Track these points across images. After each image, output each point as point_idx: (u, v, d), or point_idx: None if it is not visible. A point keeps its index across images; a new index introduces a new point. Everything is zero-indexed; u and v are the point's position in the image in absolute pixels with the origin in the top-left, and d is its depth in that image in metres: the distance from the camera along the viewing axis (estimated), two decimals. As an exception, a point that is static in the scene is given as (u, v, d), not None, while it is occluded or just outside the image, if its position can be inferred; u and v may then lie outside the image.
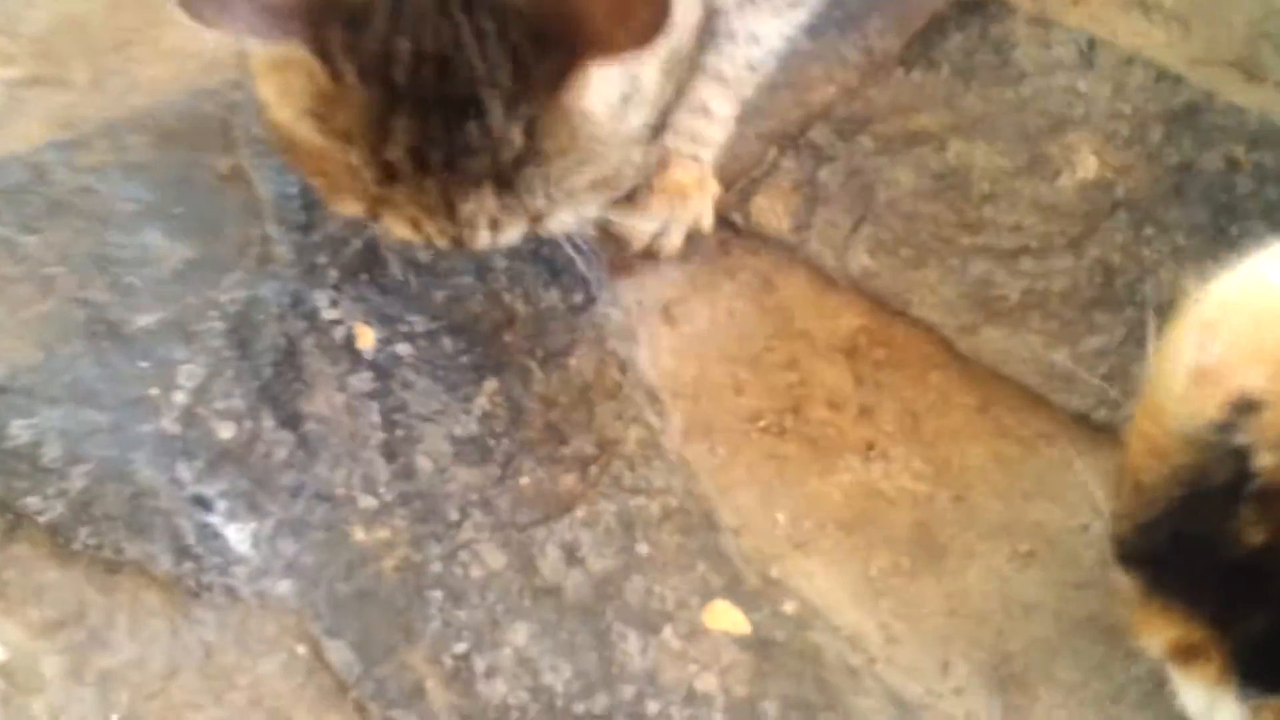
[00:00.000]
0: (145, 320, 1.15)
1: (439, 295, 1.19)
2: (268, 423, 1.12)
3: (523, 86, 0.84)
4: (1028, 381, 1.16)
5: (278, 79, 0.88)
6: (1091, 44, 1.35)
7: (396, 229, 0.92)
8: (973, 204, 1.25)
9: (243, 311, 1.16)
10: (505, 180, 0.87)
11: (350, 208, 0.92)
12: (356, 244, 1.18)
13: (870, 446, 1.15)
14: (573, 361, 1.17)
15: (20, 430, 1.07)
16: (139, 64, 1.28)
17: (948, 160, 1.28)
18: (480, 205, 0.88)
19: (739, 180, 1.26)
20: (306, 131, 0.87)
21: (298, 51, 0.83)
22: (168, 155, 1.23)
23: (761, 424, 1.16)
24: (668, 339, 1.21)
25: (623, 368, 1.17)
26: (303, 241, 1.19)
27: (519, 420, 1.13)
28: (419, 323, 1.18)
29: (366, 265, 1.19)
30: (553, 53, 0.83)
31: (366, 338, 1.16)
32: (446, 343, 1.17)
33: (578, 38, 0.82)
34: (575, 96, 0.85)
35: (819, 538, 1.10)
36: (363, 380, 1.15)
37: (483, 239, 0.92)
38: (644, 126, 0.95)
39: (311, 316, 1.16)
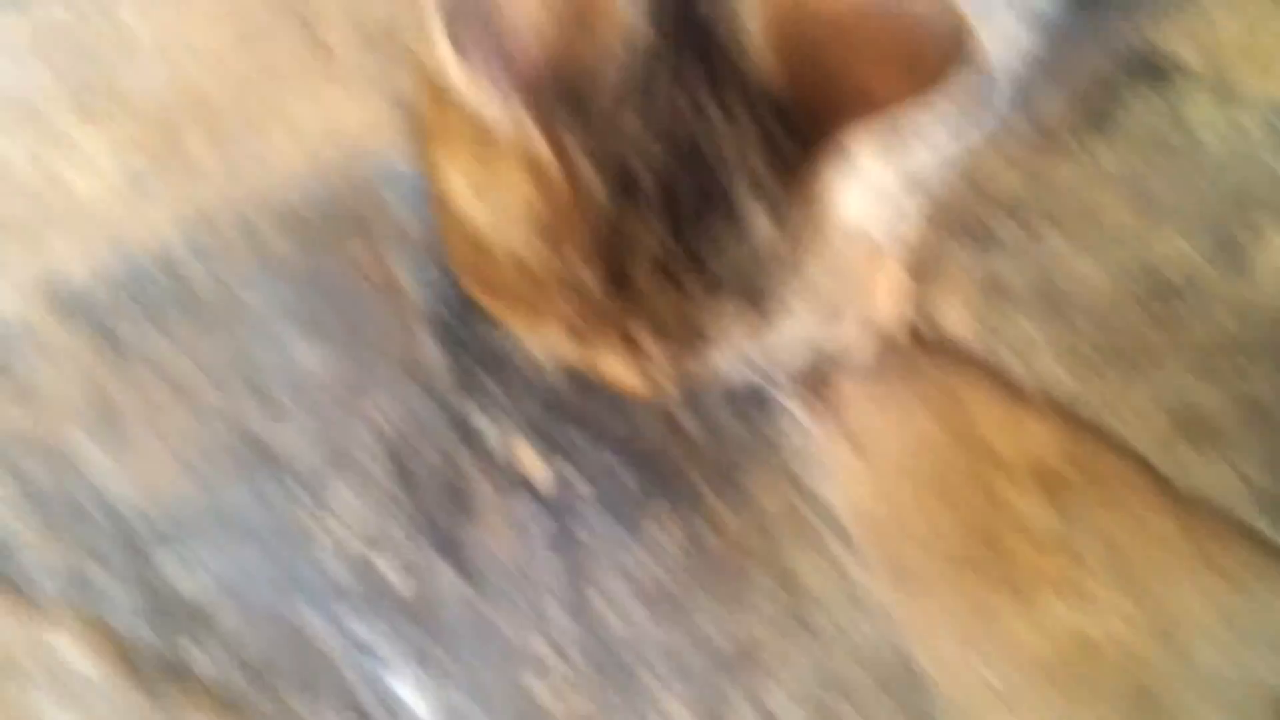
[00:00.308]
0: (297, 441, 1.07)
1: (612, 420, 1.10)
2: (438, 565, 1.04)
3: (779, 173, 0.75)
4: (1237, 511, 1.09)
5: (477, 165, 0.77)
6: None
7: (609, 365, 0.84)
8: (1166, 303, 1.17)
9: (399, 433, 1.08)
10: (755, 289, 0.78)
11: (551, 338, 0.84)
12: (520, 359, 1.09)
13: (1073, 585, 1.07)
14: (760, 497, 1.09)
15: (172, 569, 0.99)
16: (271, 144, 1.18)
17: (1137, 252, 1.20)
18: (726, 322, 0.79)
19: (913, 278, 1.15)
20: (509, 236, 0.77)
21: (517, 131, 0.71)
22: (307, 250, 1.14)
23: (956, 561, 1.09)
24: (855, 467, 1.13)
25: (814, 504, 1.09)
26: (460, 353, 1.10)
27: (704, 564, 1.06)
28: (592, 451, 1.09)
29: (532, 383, 1.10)
30: (812, 136, 0.73)
31: (537, 468, 1.08)
32: (624, 475, 1.09)
33: (843, 106, 0.71)
34: (836, 180, 0.75)
35: (1026, 692, 1.03)
36: (537, 518, 1.07)
37: (717, 365, 0.83)
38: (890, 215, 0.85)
39: (475, 441, 1.08)
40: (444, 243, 0.88)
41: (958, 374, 1.16)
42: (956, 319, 1.15)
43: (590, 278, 0.76)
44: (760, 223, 0.75)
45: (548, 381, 1.09)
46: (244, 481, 1.05)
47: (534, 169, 0.72)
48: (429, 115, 0.81)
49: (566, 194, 0.73)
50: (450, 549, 1.05)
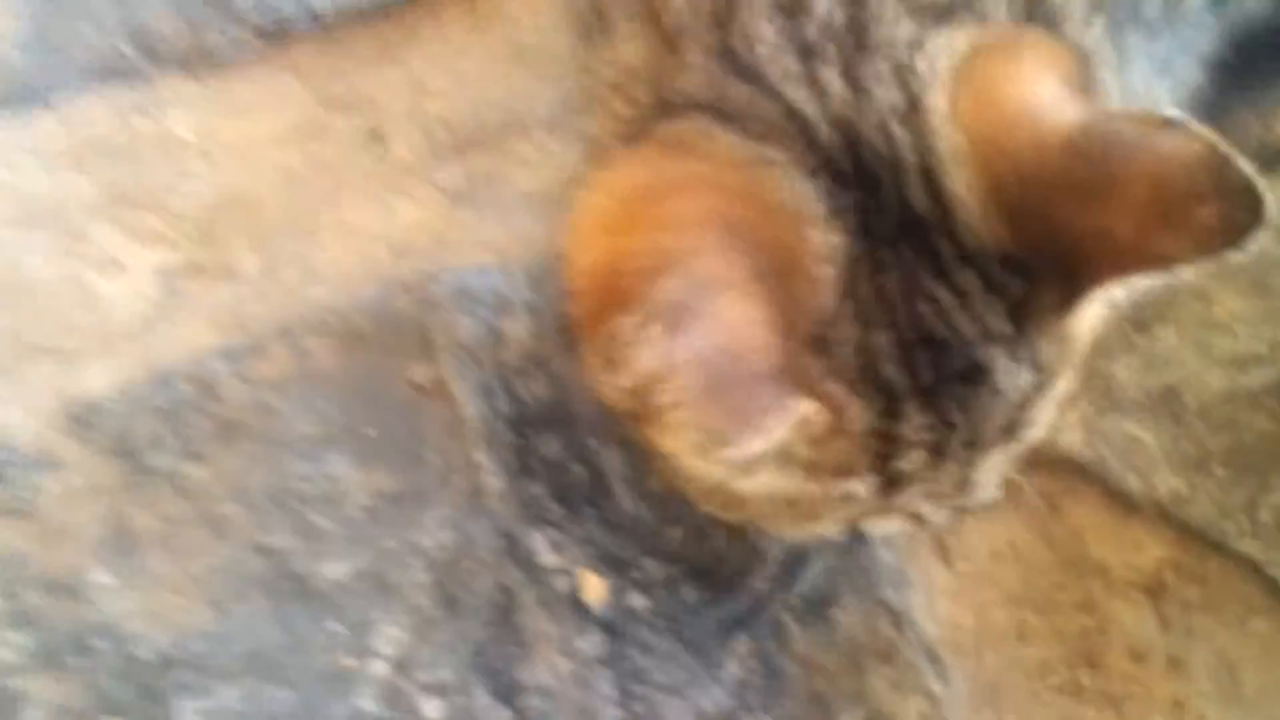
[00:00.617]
0: (336, 571, 1.01)
1: (675, 532, 1.04)
2: (482, 698, 0.99)
3: (1023, 328, 0.71)
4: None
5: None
6: None
7: (884, 527, 0.82)
8: None
9: (450, 558, 1.02)
10: (1015, 425, 0.75)
11: (819, 530, 0.81)
12: (579, 471, 1.04)
13: (1181, 706, 1.03)
14: (837, 614, 1.03)
15: (192, 715, 0.90)
16: (318, 248, 1.12)
17: (1262, 354, 1.12)
18: (996, 464, 0.77)
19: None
20: (773, 482, 0.74)
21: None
22: (356, 363, 1.08)
23: (1054, 681, 1.04)
24: (943, 579, 1.08)
25: (897, 622, 1.04)
26: (517, 468, 1.05)
27: (777, 689, 1.01)
28: (655, 567, 1.04)
29: (592, 496, 1.05)
30: (1053, 282, 0.69)
31: (595, 588, 1.03)
32: (688, 592, 1.03)
33: (1086, 262, 0.67)
34: (1081, 316, 0.73)
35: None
36: (592, 642, 1.02)
37: (989, 494, 0.79)
38: None
39: (530, 563, 1.03)
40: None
41: (1059, 482, 1.11)
42: (1059, 422, 1.05)
43: (864, 488, 0.74)
44: (1012, 374, 0.72)
45: (622, 506, 1.05)
46: (277, 619, 1.00)
47: (800, 428, 0.69)
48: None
49: (833, 430, 0.70)
50: (493, 674, 1.01)
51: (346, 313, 1.10)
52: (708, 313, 0.65)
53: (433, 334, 1.10)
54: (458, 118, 1.18)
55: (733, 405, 0.64)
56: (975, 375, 0.71)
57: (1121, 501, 1.09)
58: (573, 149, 1.11)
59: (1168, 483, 1.09)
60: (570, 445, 1.04)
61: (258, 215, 1.14)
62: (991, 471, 0.77)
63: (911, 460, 0.73)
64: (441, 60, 1.19)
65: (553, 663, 1.00)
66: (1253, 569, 1.06)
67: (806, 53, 0.73)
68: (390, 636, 1.00)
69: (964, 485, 0.76)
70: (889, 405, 0.70)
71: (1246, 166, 0.62)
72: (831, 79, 0.72)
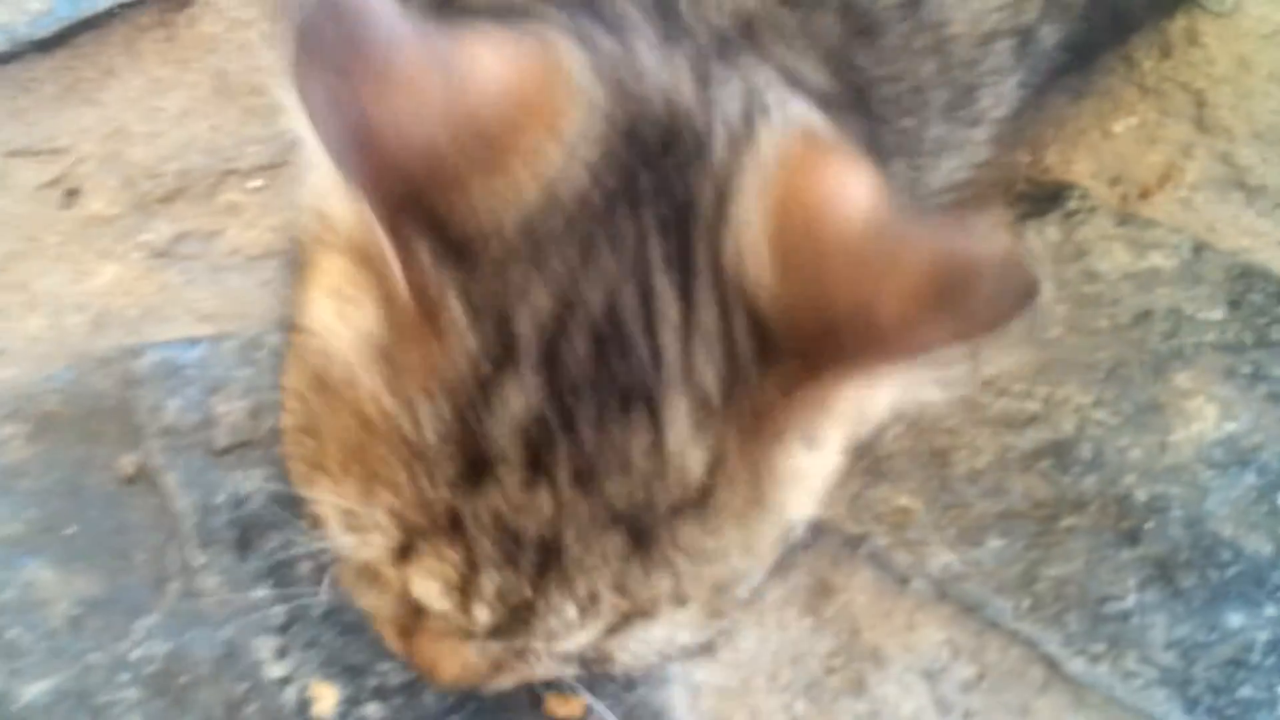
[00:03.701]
0: (34, 691, 1.02)
1: None
2: None
3: (731, 401, 0.70)
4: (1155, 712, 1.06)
5: (344, 281, 0.72)
6: (1197, 250, 1.23)
7: (427, 588, 0.74)
8: (1071, 474, 1.17)
9: (163, 671, 1.03)
10: (644, 535, 0.71)
11: (369, 544, 0.74)
12: (307, 569, 1.06)
13: None
14: (592, 719, 1.03)
15: None
16: (6, 319, 1.14)
17: (1036, 413, 1.20)
18: (598, 562, 0.71)
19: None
20: (358, 376, 0.71)
21: (364, 229, 0.67)
22: (51, 452, 1.10)
23: None
24: (707, 670, 1.10)
25: None
26: (238, 568, 1.06)
27: None
28: (392, 672, 1.04)
29: (336, 607, 1.05)
30: (792, 361, 0.69)
31: (326, 699, 1.04)
32: (429, 699, 1.04)
33: (840, 342, 0.67)
34: (797, 431, 0.72)
35: None
36: None
37: (559, 632, 0.74)
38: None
39: (253, 674, 1.03)
40: (284, 395, 0.81)
41: (828, 559, 1.16)
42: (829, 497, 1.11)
43: (438, 449, 0.69)
44: (685, 447, 0.70)
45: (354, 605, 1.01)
46: (-28, 753, 0.97)
47: (384, 291, 0.68)
48: (311, 222, 0.75)
49: (418, 332, 0.68)
50: None
51: (39, 394, 1.11)
52: None
53: (138, 417, 1.11)
54: (162, 165, 1.20)
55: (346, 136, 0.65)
56: (636, 409, 0.69)
57: (894, 578, 1.14)
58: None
59: (940, 557, 1.14)
60: (294, 535, 1.00)
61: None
62: (591, 579, 0.72)
63: (505, 456, 0.69)
64: (141, 100, 1.21)
65: None
66: (1031, 647, 1.11)
67: (672, 31, 0.77)
68: None
69: (544, 568, 0.72)
70: (499, 355, 0.68)
71: (1029, 255, 0.66)
72: (683, 63, 0.76)
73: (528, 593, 0.72)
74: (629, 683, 1.06)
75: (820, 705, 1.09)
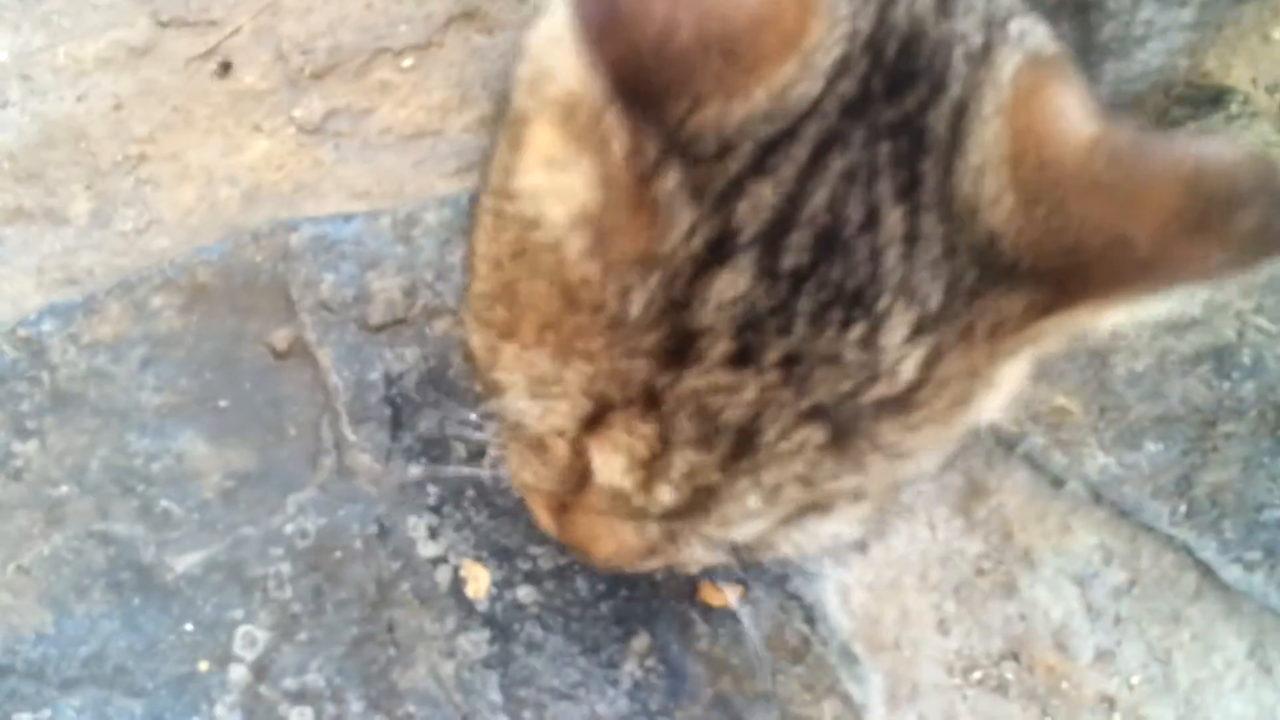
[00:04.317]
0: (187, 562, 1.00)
1: None
2: (355, 705, 0.97)
3: (950, 314, 0.67)
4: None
5: (560, 142, 0.68)
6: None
7: (610, 462, 0.71)
8: (1230, 380, 1.13)
9: (315, 547, 1.01)
10: (844, 429, 0.68)
11: (555, 412, 0.71)
12: (461, 449, 1.03)
13: (1111, 704, 1.04)
14: (746, 609, 1.01)
15: (30, 734, 0.89)
16: (159, 190, 1.10)
17: (1196, 317, 1.15)
18: (793, 452, 0.69)
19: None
20: (566, 238, 0.68)
21: (594, 103, 0.63)
22: (204, 324, 1.06)
23: (976, 676, 1.05)
24: (857, 568, 1.07)
25: (809, 617, 1.04)
26: (391, 446, 1.04)
27: (680, 691, 1.00)
28: (544, 557, 1.03)
29: (471, 475, 1.03)
30: (1031, 289, 0.66)
31: (479, 581, 1.02)
32: (581, 584, 1.02)
33: (1093, 272, 0.64)
34: (1022, 349, 0.69)
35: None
36: (476, 641, 1.00)
37: (735, 520, 0.72)
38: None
39: (406, 552, 1.02)
40: (474, 260, 0.77)
41: (982, 460, 1.12)
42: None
43: (643, 323, 0.66)
44: (900, 348, 0.67)
45: (506, 488, 1.02)
46: (120, 614, 0.98)
47: (603, 165, 0.64)
48: (533, 78, 0.72)
49: (634, 209, 0.64)
50: (367, 678, 0.99)
51: (192, 266, 1.08)
52: None
53: (291, 291, 1.08)
54: (315, 41, 1.16)
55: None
56: (852, 317, 0.66)
57: (1048, 480, 1.10)
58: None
59: (1096, 460, 1.10)
60: (448, 416, 1.02)
61: (86, 150, 1.10)
62: (784, 467, 0.70)
63: (711, 343, 0.66)
64: None
65: (433, 664, 0.99)
66: (1186, 554, 1.08)
67: None
68: (250, 636, 0.98)
69: (738, 455, 0.69)
70: (717, 244, 0.65)
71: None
72: None
73: (715, 476, 0.69)
74: (782, 577, 1.04)
75: (969, 606, 1.06)
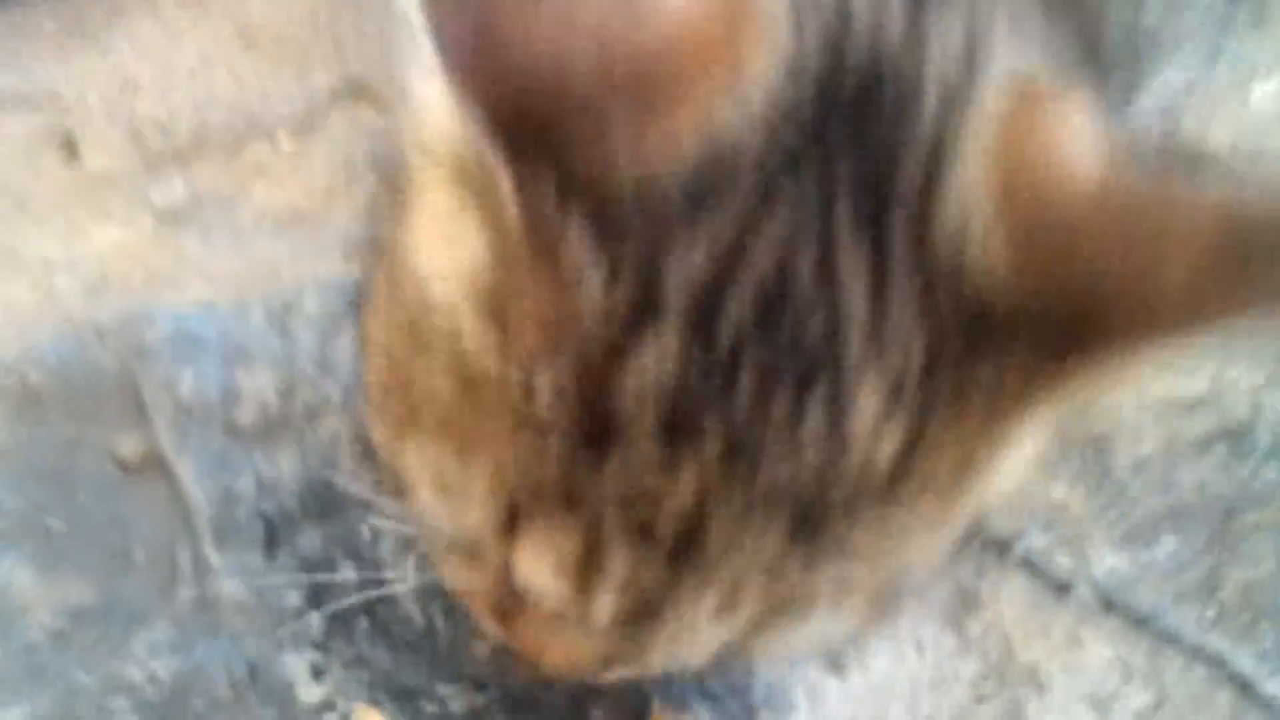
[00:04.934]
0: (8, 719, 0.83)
1: (482, 650, 0.88)
2: None
3: (934, 383, 0.57)
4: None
5: (448, 215, 0.59)
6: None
7: (536, 568, 0.61)
8: (1252, 461, 1.00)
9: (169, 696, 0.85)
10: (811, 525, 0.58)
11: (468, 515, 0.62)
12: (351, 571, 0.89)
13: None
14: None
15: None
16: (-7, 287, 0.94)
17: (1203, 395, 1.03)
18: (749, 551, 0.58)
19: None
20: (464, 330, 0.59)
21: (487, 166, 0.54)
22: (35, 433, 0.91)
23: None
24: (835, 696, 0.92)
25: None
26: (264, 569, 0.89)
27: None
28: (455, 697, 0.87)
29: (368, 607, 0.88)
30: (1030, 343, 0.56)
31: None
32: None
33: (1119, 320, 0.55)
34: (1027, 416, 0.59)
35: None
36: None
37: (693, 627, 0.61)
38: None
39: (284, 697, 0.86)
40: (367, 348, 0.71)
41: (974, 567, 0.98)
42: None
43: (554, 412, 0.57)
44: (871, 430, 0.57)
45: (409, 616, 0.89)
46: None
47: (495, 227, 0.56)
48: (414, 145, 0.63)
49: (533, 276, 0.56)
50: None
51: (21, 367, 0.94)
52: None
53: (144, 393, 0.93)
54: (176, 119, 1.04)
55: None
56: (807, 396, 0.57)
57: (1051, 586, 0.97)
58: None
59: (1105, 560, 0.97)
60: (334, 533, 0.89)
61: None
62: (742, 570, 0.60)
63: (637, 422, 0.56)
64: (154, 48, 1.06)
65: None
66: (1218, 667, 0.95)
67: None
68: None
69: (683, 556, 0.59)
70: (637, 311, 0.55)
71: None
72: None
73: (661, 577, 0.60)
74: (748, 708, 0.90)
75: None
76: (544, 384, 0.57)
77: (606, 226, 0.55)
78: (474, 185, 0.57)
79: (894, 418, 0.58)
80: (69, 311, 0.96)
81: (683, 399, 0.56)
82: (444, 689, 0.88)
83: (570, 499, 0.58)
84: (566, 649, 0.67)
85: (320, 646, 0.88)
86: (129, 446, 0.92)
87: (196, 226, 1.01)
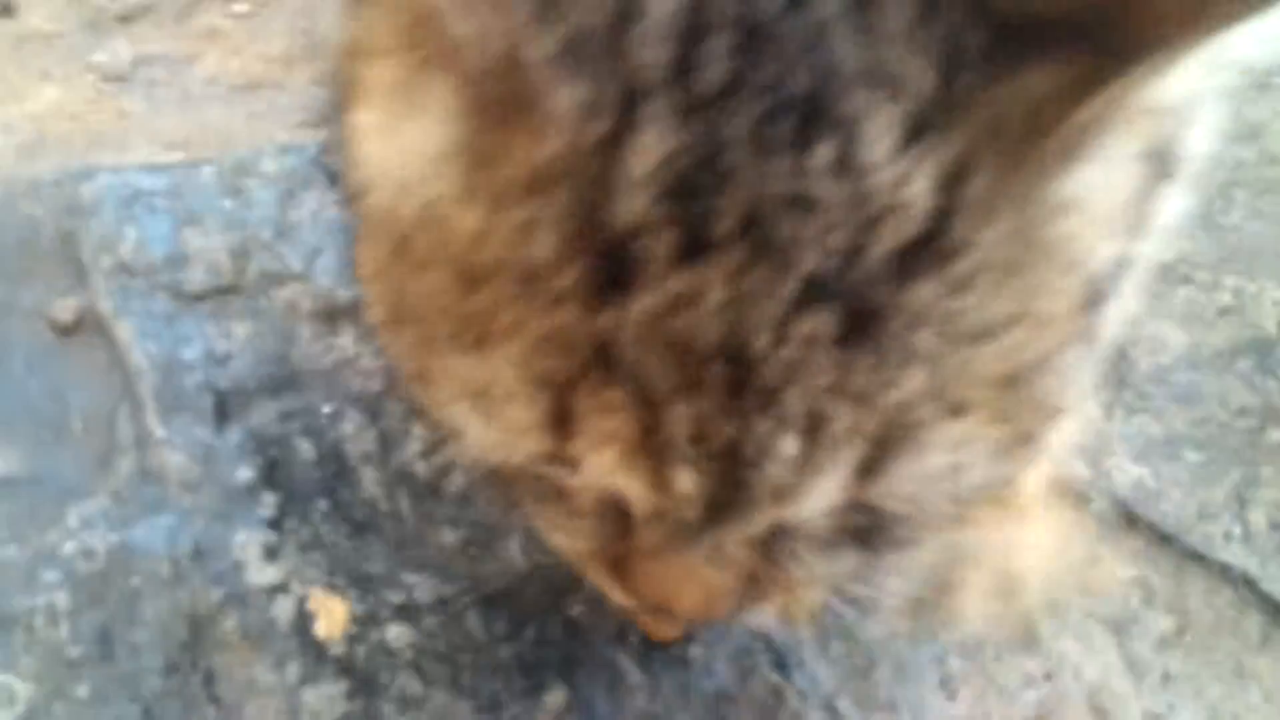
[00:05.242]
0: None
1: (452, 538, 0.80)
2: None
3: (957, 103, 0.49)
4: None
5: (403, 89, 0.55)
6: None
7: (600, 460, 0.54)
8: (1276, 377, 0.93)
9: (104, 572, 0.78)
10: (859, 303, 0.50)
11: (515, 426, 0.56)
12: (307, 448, 0.80)
13: None
14: (696, 651, 0.78)
15: None
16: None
17: (1229, 305, 0.96)
18: (804, 358, 0.50)
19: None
20: (446, 214, 0.54)
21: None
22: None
23: None
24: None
25: (781, 663, 0.80)
26: (213, 443, 0.80)
27: None
28: (421, 586, 0.79)
29: (327, 484, 0.80)
30: (1070, 45, 0.48)
31: (333, 616, 0.78)
32: (473, 622, 0.79)
33: (1154, 11, 0.47)
34: (1069, 138, 0.51)
35: None
36: (329, 697, 0.77)
37: (790, 483, 0.53)
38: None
39: (232, 579, 0.79)
40: (365, 289, 0.63)
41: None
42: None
43: (561, 260, 0.51)
44: (893, 164, 0.49)
45: (370, 498, 0.80)
46: None
47: (453, 77, 0.52)
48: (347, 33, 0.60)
49: (504, 112, 0.51)
50: None
51: None
52: None
53: (82, 252, 0.86)
54: None
55: None
56: (809, 132, 0.50)
57: (1069, 498, 0.90)
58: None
59: (1127, 473, 0.90)
60: (290, 407, 0.81)
61: None
62: (805, 372, 0.52)
63: (656, 233, 0.50)
64: None
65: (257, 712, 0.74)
66: (1248, 588, 0.88)
67: None
68: (8, 691, 0.75)
69: (747, 376, 0.52)
70: (622, 100, 0.50)
71: None
72: None
73: (728, 428, 0.52)
74: None
75: (979, 663, 0.85)
76: (548, 239, 0.51)
77: (574, 28, 0.50)
78: (418, 33, 0.54)
79: (920, 146, 0.50)
80: (3, 169, 0.89)
81: (688, 185, 0.50)
82: (410, 577, 0.79)
83: (609, 366, 0.52)
84: (695, 582, 0.60)
85: (274, 525, 0.80)
86: (65, 309, 0.85)
87: (141, 89, 0.94)
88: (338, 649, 0.78)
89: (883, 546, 0.60)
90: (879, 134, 0.50)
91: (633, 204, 0.50)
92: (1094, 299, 0.57)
